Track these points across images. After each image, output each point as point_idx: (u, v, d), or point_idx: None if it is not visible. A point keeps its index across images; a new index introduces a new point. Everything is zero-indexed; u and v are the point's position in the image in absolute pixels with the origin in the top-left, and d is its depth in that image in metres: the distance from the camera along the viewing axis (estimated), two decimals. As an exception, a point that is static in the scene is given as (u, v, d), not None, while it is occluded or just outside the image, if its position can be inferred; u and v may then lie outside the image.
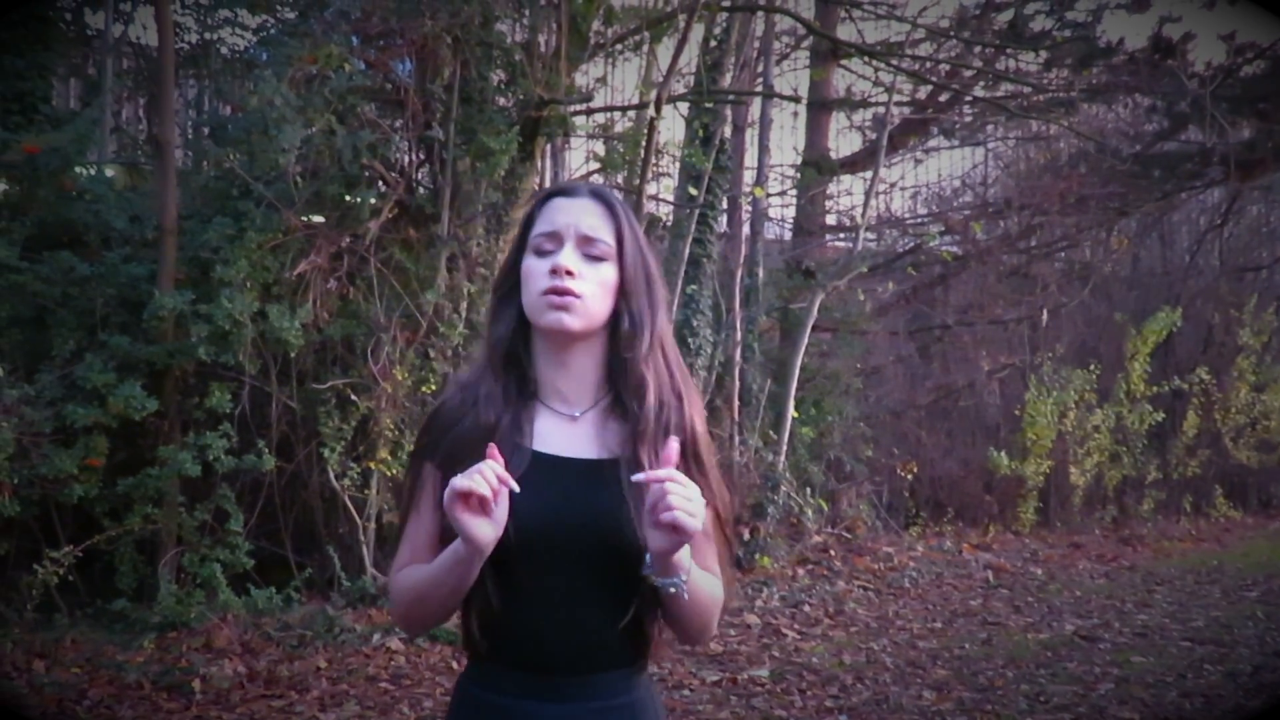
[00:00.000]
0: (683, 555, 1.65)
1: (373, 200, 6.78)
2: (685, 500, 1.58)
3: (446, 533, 1.73)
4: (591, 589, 1.73)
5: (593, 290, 1.77)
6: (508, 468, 1.70)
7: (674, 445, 1.64)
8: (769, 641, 6.93)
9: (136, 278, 6.39)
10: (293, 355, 6.56)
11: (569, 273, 1.75)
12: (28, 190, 6.66)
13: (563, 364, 1.81)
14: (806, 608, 7.80)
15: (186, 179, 7.20)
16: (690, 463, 1.77)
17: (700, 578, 1.74)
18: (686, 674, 6.07)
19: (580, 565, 1.73)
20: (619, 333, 1.80)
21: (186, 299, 6.15)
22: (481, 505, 1.59)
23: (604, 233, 1.80)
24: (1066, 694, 5.81)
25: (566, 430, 1.80)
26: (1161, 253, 15.07)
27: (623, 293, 1.80)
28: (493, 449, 1.62)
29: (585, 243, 1.78)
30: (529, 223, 1.84)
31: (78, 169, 6.88)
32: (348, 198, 6.80)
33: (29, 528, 6.13)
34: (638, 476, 1.62)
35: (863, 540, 10.01)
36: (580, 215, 1.80)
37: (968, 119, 13.14)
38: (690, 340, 9.11)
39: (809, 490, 9.79)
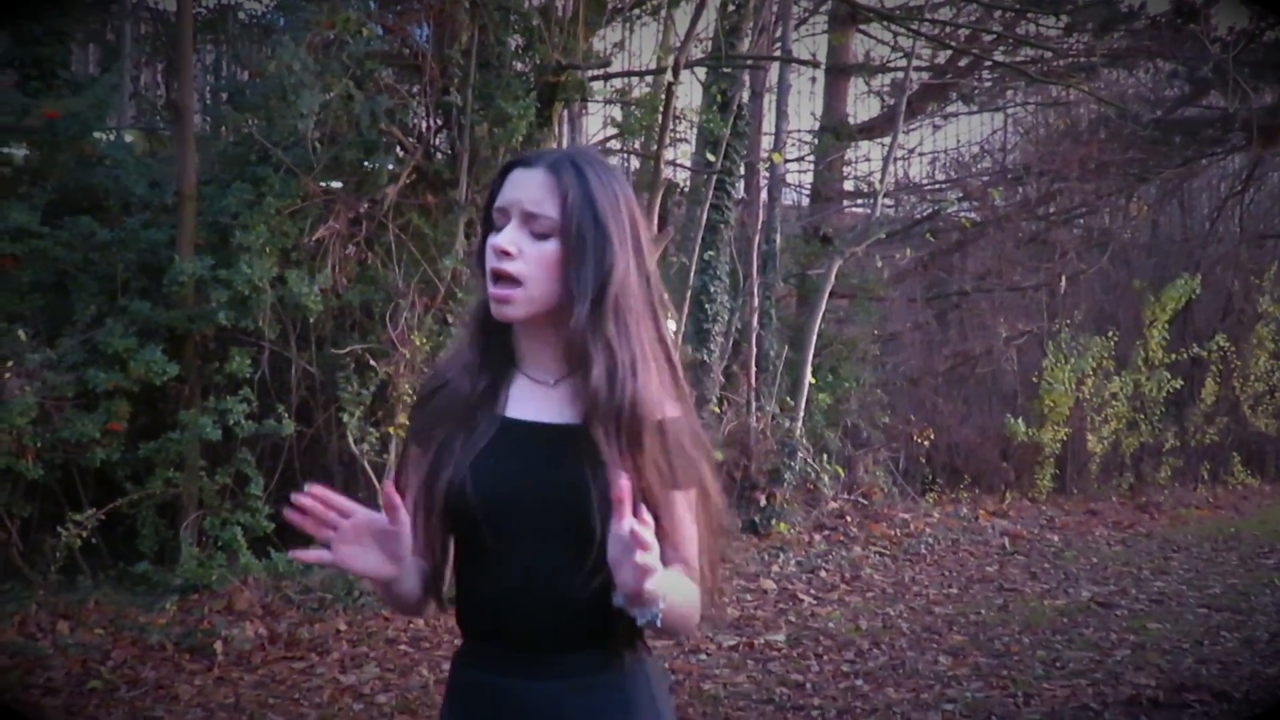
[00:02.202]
0: (657, 586, 1.54)
1: (391, 166, 6.78)
2: (647, 550, 1.51)
3: (422, 516, 1.74)
4: (564, 558, 1.68)
5: (534, 272, 1.70)
6: (475, 433, 1.71)
7: (623, 483, 1.53)
8: (785, 606, 6.96)
9: (156, 243, 6.41)
10: (311, 320, 6.58)
11: (505, 253, 1.70)
12: (48, 155, 6.67)
13: (532, 336, 1.78)
14: (823, 573, 7.83)
15: (205, 144, 7.21)
16: (651, 443, 1.70)
17: (676, 591, 1.64)
18: (703, 638, 6.10)
19: (551, 532, 1.69)
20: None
21: (206, 264, 6.17)
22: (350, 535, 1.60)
23: (548, 207, 1.71)
24: (1083, 660, 5.83)
25: (541, 396, 1.77)
26: (1181, 219, 14.97)
27: (571, 265, 1.71)
28: (388, 488, 1.61)
29: (528, 219, 1.72)
30: (492, 195, 1.79)
31: (97, 134, 6.89)
32: (366, 163, 6.80)
33: (52, 491, 6.18)
34: (619, 529, 1.53)
35: (879, 506, 10.03)
36: (526, 190, 1.73)
37: (987, 84, 13.04)
38: (707, 306, 9.11)
39: (826, 456, 9.80)
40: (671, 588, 1.61)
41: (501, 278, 1.71)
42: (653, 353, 1.76)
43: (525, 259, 1.70)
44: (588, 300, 1.71)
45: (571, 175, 1.73)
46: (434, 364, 1.94)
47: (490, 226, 1.76)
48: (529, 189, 1.72)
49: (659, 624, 1.60)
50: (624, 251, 1.75)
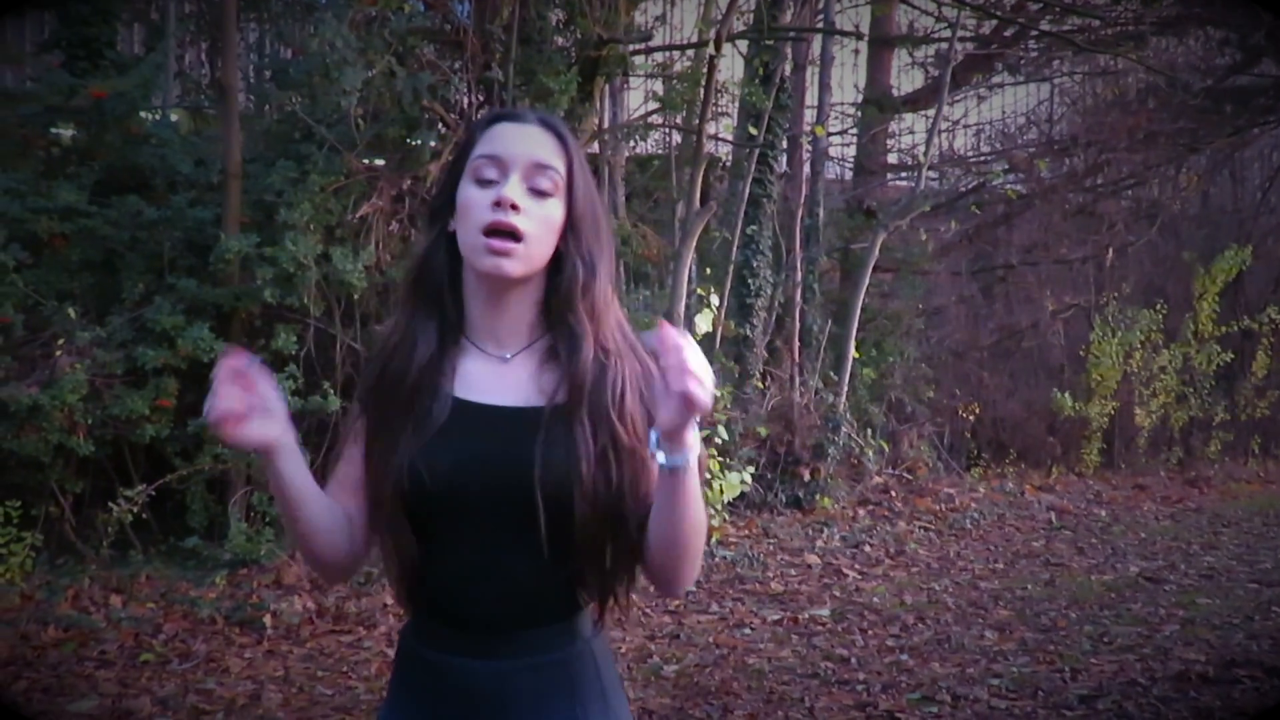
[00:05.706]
0: (692, 434, 1.51)
1: (433, 143, 6.79)
2: (700, 369, 1.44)
3: (368, 482, 1.70)
4: (516, 541, 1.63)
5: (537, 231, 1.63)
6: (428, 414, 1.63)
7: (667, 326, 1.48)
8: (830, 581, 6.95)
9: (202, 221, 6.46)
10: (356, 297, 6.62)
11: (514, 206, 1.61)
12: (95, 135, 6.74)
13: (497, 304, 1.68)
14: (867, 548, 7.80)
15: (249, 123, 7.26)
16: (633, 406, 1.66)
17: (695, 481, 1.57)
18: (748, 613, 6.11)
19: (502, 516, 1.63)
20: (559, 273, 1.67)
21: (251, 242, 6.22)
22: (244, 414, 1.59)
23: (556, 162, 1.66)
24: (1131, 635, 5.78)
25: (494, 374, 1.69)
26: (1232, 190, 14.73)
27: (572, 231, 1.67)
28: (233, 360, 1.60)
29: (534, 172, 1.64)
30: (469, 144, 1.68)
31: (143, 114, 6.95)
32: (408, 140, 6.82)
33: (103, 467, 6.27)
34: (656, 337, 1.47)
35: (924, 481, 9.98)
36: (530, 143, 1.65)
37: (1033, 54, 12.84)
38: (750, 281, 9.08)
39: (870, 431, 9.76)
40: (693, 475, 1.56)
41: (501, 232, 1.61)
42: (620, 328, 1.73)
43: (529, 215, 1.63)
44: (588, 269, 1.68)
45: (569, 137, 1.70)
46: (387, 324, 1.87)
47: (460, 176, 1.67)
48: (534, 143, 1.66)
49: (686, 475, 1.53)
50: (609, 229, 1.74)
